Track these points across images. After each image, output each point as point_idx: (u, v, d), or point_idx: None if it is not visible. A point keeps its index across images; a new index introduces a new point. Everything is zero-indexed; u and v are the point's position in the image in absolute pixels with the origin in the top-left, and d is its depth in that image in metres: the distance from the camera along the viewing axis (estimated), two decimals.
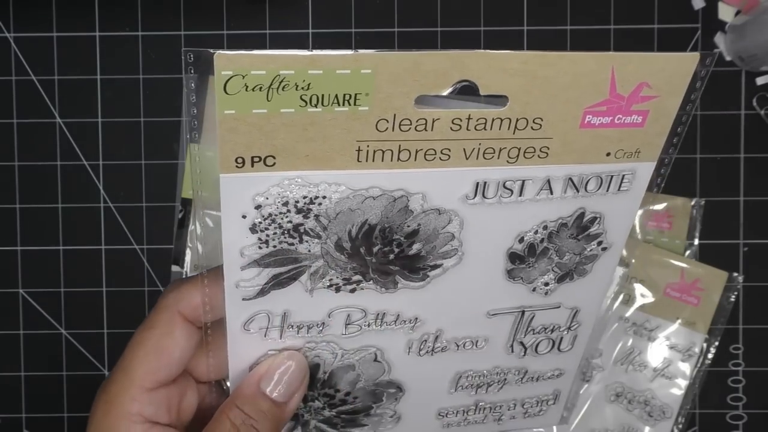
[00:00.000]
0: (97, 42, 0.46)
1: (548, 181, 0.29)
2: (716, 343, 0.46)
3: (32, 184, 0.47)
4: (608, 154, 0.29)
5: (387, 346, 0.33)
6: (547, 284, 0.33)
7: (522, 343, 0.35)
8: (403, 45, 0.46)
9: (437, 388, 0.35)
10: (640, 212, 0.46)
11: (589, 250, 0.32)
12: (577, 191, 0.30)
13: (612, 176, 0.30)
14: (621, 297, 0.46)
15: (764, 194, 0.47)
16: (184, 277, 0.46)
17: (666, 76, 0.27)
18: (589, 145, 0.28)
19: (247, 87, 0.24)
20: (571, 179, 0.29)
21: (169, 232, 0.47)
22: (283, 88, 0.24)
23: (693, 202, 0.46)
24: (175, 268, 0.47)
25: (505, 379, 0.36)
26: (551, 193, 0.29)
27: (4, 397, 0.48)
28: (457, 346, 0.34)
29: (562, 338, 0.35)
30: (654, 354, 0.46)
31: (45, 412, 0.48)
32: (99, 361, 0.48)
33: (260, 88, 0.24)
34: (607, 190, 0.30)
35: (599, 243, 0.32)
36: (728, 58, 0.46)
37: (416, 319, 0.33)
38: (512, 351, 0.35)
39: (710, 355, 0.46)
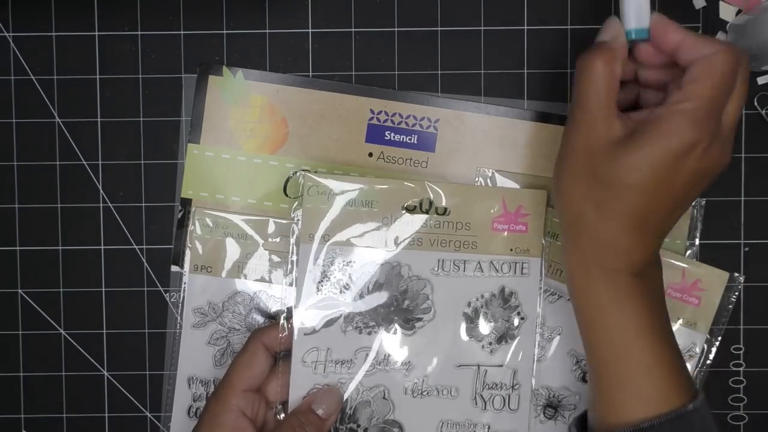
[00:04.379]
0: (97, 42, 0.46)
1: (479, 263, 0.44)
2: (717, 344, 0.46)
3: (31, 184, 0.47)
4: (511, 250, 0.44)
5: (391, 385, 0.44)
6: (490, 343, 0.45)
7: (482, 396, 0.45)
8: (402, 44, 0.46)
9: None
10: None
11: (512, 318, 0.45)
12: (497, 272, 0.44)
13: (516, 263, 0.44)
14: None
15: (765, 194, 0.47)
16: (186, 277, 0.46)
17: (532, 203, 0.44)
18: (499, 243, 0.44)
19: (318, 192, 0.44)
20: (492, 263, 0.44)
21: (169, 232, 0.47)
22: (342, 193, 0.44)
23: (693, 202, 0.46)
24: (174, 268, 0.47)
25: None
26: (482, 271, 0.44)
27: (3, 398, 0.48)
28: (438, 391, 0.44)
29: (509, 396, 0.45)
30: None
31: (44, 413, 0.48)
32: (98, 361, 0.48)
33: (323, 193, 0.44)
34: (515, 273, 0.44)
35: (518, 314, 0.45)
36: None
37: (409, 362, 0.44)
38: (476, 403, 0.45)
39: (711, 356, 0.46)
